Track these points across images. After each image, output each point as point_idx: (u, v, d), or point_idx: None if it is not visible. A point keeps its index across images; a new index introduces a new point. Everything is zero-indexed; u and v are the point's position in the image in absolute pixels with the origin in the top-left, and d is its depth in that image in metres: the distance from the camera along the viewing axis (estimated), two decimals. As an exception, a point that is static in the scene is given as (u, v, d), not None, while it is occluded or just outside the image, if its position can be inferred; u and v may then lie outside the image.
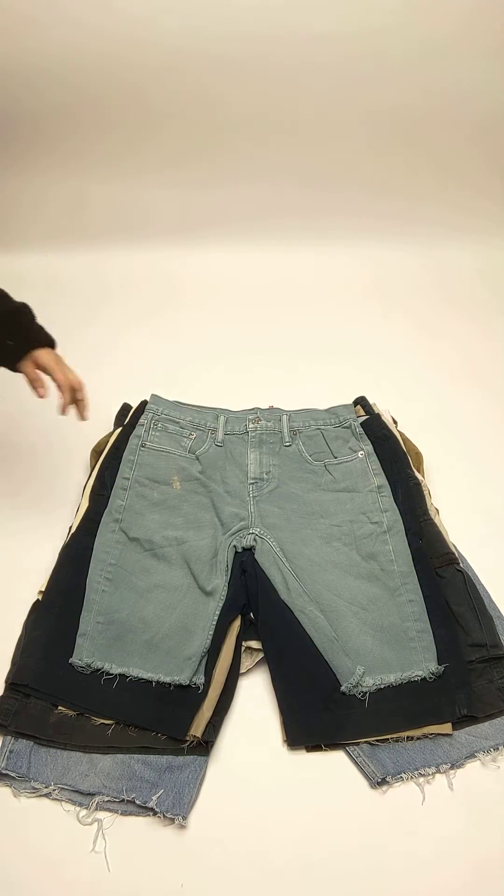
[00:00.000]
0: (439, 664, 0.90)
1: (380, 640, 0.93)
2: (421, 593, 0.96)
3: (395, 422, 1.21)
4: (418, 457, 1.16)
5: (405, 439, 1.18)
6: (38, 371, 0.96)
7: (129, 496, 1.07)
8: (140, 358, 1.19)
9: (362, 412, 1.19)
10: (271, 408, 1.23)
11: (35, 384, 0.96)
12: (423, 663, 0.90)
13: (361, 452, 1.13)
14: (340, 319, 1.60)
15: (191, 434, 1.15)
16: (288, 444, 1.14)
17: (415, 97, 1.55)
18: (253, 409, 1.19)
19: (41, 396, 0.96)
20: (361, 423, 1.17)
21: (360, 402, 1.22)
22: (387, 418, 1.19)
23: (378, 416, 1.19)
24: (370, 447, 1.13)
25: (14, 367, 0.96)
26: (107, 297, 1.62)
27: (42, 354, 0.95)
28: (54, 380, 0.96)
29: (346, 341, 1.54)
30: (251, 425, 1.16)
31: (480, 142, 1.63)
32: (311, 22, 1.43)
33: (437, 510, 1.09)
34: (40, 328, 0.98)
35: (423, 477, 1.14)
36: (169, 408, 1.17)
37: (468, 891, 0.75)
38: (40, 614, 0.94)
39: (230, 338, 1.54)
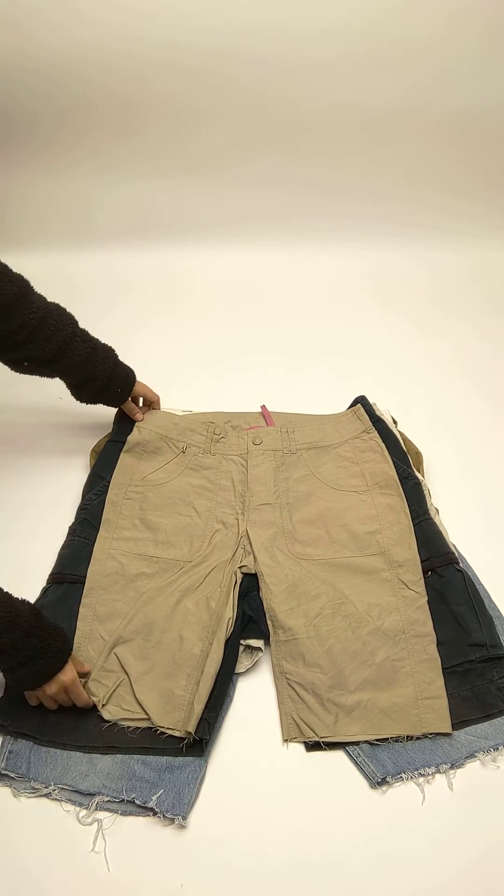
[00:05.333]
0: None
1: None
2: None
3: (395, 422, 1.21)
4: (418, 457, 1.16)
5: (405, 439, 1.18)
6: (132, 403, 1.16)
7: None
8: (142, 358, 1.20)
9: (362, 412, 1.19)
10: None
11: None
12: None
13: None
14: (340, 320, 1.60)
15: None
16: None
17: (411, 103, 1.57)
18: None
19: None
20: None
21: (360, 401, 1.22)
22: (387, 418, 1.20)
23: (378, 416, 1.19)
24: None
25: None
26: (112, 298, 1.62)
27: (136, 390, 1.15)
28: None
29: (346, 341, 1.54)
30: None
31: (474, 147, 1.65)
32: (309, 24, 1.43)
33: (437, 510, 1.09)
34: (125, 367, 1.14)
35: (423, 477, 1.14)
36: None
37: (468, 891, 0.75)
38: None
39: (231, 337, 1.54)
